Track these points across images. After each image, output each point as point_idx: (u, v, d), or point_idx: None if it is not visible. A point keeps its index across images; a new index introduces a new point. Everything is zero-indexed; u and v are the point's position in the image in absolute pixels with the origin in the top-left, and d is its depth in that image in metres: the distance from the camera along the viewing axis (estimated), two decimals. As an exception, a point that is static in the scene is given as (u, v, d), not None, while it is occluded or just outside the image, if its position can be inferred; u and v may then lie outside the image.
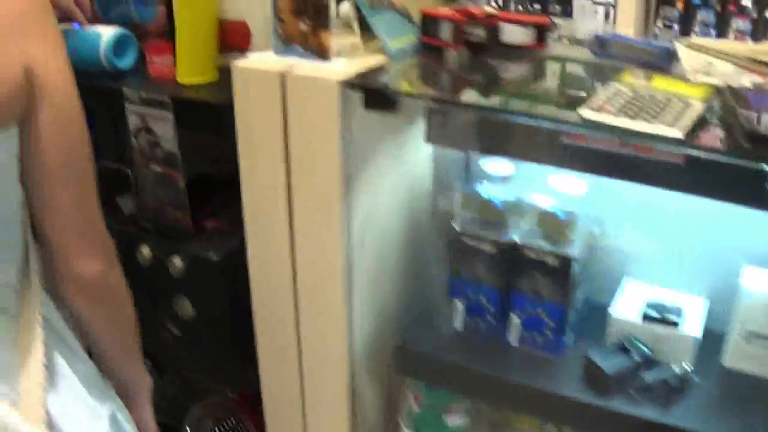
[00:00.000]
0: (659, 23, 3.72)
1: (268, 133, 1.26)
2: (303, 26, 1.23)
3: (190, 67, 1.46)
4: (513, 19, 1.39)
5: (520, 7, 3.57)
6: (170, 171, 1.48)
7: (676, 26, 1.49)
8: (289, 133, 1.25)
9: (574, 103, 1.07)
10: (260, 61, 1.26)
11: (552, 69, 1.38)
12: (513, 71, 1.35)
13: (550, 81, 1.33)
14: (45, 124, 0.95)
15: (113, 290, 1.10)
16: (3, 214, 0.97)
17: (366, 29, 1.32)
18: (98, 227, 1.05)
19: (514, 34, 1.38)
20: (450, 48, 1.35)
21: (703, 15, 1.43)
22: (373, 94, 1.17)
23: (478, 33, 1.38)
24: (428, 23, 1.38)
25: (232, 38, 1.49)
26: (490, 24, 1.37)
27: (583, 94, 1.13)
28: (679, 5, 1.43)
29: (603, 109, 1.08)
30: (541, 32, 1.39)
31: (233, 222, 1.47)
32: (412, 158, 1.43)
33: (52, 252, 1.02)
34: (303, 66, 1.23)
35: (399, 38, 1.35)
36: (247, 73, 1.25)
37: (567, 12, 3.39)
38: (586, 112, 1.06)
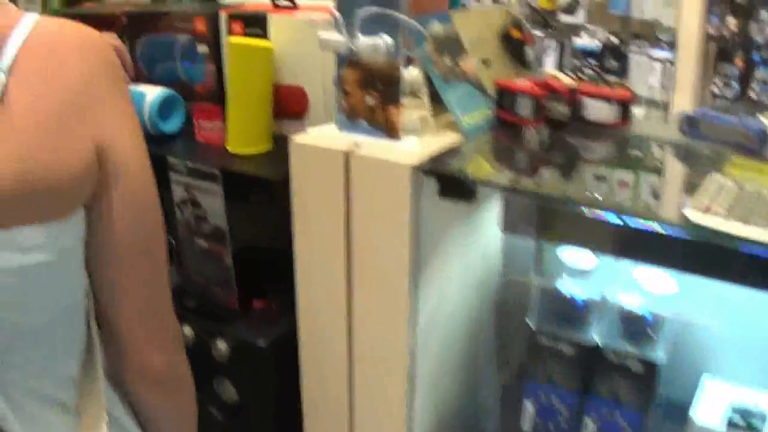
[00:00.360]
0: (717, 81, 3.58)
1: (328, 215, 1.15)
2: (370, 100, 1.11)
3: (242, 136, 1.35)
4: (596, 94, 1.27)
5: (576, 62, 3.46)
6: (217, 247, 1.37)
7: (735, 84, 1.44)
8: (351, 215, 1.13)
9: (674, 200, 0.95)
10: (321, 136, 1.15)
11: (640, 151, 1.25)
12: (598, 153, 1.23)
13: (641, 167, 1.20)
14: (117, 205, 0.86)
15: (181, 381, 1.00)
16: (67, 303, 0.86)
17: (436, 99, 1.21)
18: (168, 315, 0.95)
19: (598, 110, 1.27)
20: (529, 125, 1.23)
21: (763, 73, 1.38)
22: (449, 181, 1.05)
23: (560, 109, 1.26)
24: (505, 97, 1.27)
25: (288, 105, 1.38)
26: (573, 100, 1.25)
27: (681, 185, 1.00)
28: (738, 63, 1.33)
29: (710, 210, 0.95)
30: (626, 108, 1.27)
31: (283, 302, 1.35)
32: (482, 244, 1.31)
33: (119, 342, 0.91)
34: (369, 145, 1.11)
35: (473, 113, 1.23)
36: (307, 150, 1.14)
37: (623, 68, 3.27)
38: (692, 214, 0.93)
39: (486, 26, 1.39)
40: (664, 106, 3.25)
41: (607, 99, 1.25)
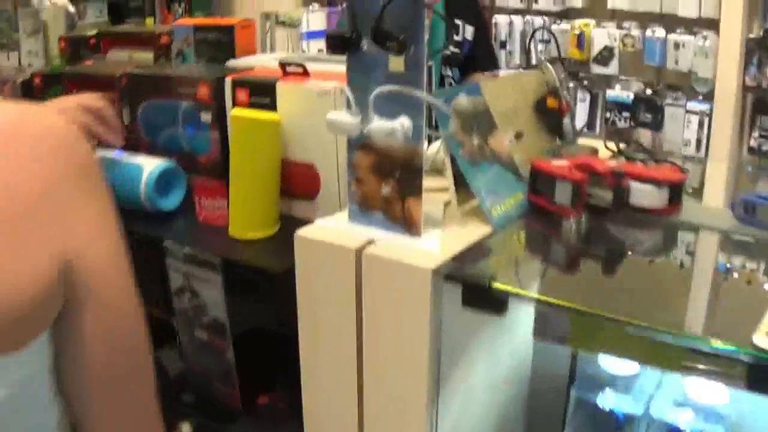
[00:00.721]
0: (756, 134, 3.40)
1: (338, 319, 1.00)
2: (386, 189, 0.97)
3: (246, 219, 1.21)
4: (643, 176, 1.12)
5: (608, 114, 3.29)
6: (217, 340, 1.23)
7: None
8: (363, 319, 0.99)
9: (737, 318, 0.79)
10: (331, 229, 1.01)
11: (693, 245, 1.10)
12: (645, 246, 1.08)
13: (694, 266, 1.05)
14: (89, 326, 0.73)
15: None
16: None
17: (462, 180, 1.07)
18: None
19: (645, 196, 1.12)
20: (567, 215, 1.08)
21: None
22: (474, 290, 0.90)
23: (603, 196, 1.11)
24: (540, 181, 1.12)
25: (297, 184, 1.24)
26: (617, 183, 1.10)
27: (743, 297, 0.85)
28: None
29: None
30: (676, 192, 1.12)
31: (291, 397, 1.20)
32: (510, 351, 1.15)
33: None
34: (385, 242, 0.97)
35: (504, 201, 1.09)
36: (314, 246, 0.99)
37: (658, 121, 3.10)
38: (761, 340, 0.78)
39: (519, 94, 1.24)
40: (700, 161, 3.08)
41: (655, 182, 1.10)
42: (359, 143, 0.98)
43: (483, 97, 1.12)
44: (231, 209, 1.23)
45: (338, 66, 1.35)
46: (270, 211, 1.22)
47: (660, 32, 3.25)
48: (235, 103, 1.29)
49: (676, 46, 3.18)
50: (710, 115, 3.16)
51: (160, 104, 1.43)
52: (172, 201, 1.34)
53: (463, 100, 1.07)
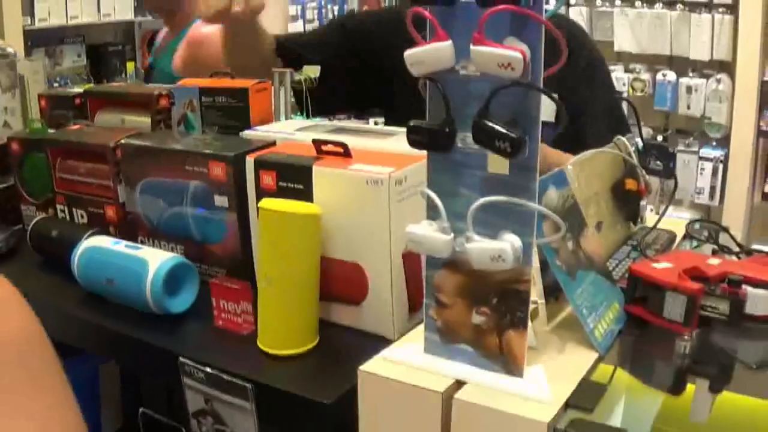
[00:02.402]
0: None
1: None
2: (479, 319, 0.76)
3: (280, 333, 1.00)
4: (762, 281, 0.93)
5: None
6: (245, 477, 1.01)
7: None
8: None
9: None
10: (403, 364, 0.80)
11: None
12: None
13: None
14: None
15: None
16: None
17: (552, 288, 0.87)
18: None
19: (765, 304, 0.93)
20: (680, 332, 0.88)
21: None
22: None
23: (718, 306, 0.92)
24: (644, 290, 0.92)
25: (340, 286, 1.04)
26: (735, 294, 0.91)
27: None
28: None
29: None
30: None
31: None
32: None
33: None
34: (479, 385, 0.77)
35: (604, 316, 0.89)
36: (384, 385, 0.78)
37: (669, 168, 2.91)
38: None
39: (597, 177, 1.05)
40: (718, 211, 2.92)
41: (777, 288, 0.91)
42: (444, 260, 0.77)
43: (571, 188, 0.93)
44: (260, 318, 1.02)
45: (382, 141, 1.15)
46: (308, 321, 1.01)
47: (671, 76, 3.09)
48: (258, 188, 1.08)
49: (689, 90, 3.03)
50: (725, 162, 3.01)
51: (164, 183, 1.22)
52: (182, 302, 1.13)
53: (553, 196, 0.88)
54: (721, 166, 3.01)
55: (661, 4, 3.08)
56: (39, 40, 3.62)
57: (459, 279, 0.77)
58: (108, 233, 1.32)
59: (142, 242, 1.28)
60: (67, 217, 1.41)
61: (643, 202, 1.17)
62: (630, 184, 1.12)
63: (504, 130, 0.67)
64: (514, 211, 0.72)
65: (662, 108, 3.13)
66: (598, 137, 1.39)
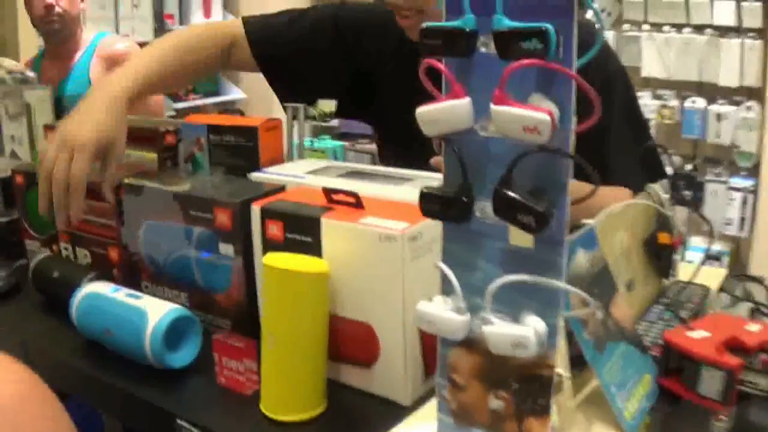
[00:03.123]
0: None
1: None
2: (497, 403, 0.69)
3: (284, 397, 0.93)
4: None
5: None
6: None
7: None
8: None
9: None
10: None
11: None
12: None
13: None
14: None
15: None
16: None
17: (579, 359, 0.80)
18: None
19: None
20: (718, 410, 0.80)
21: None
22: None
23: (760, 383, 0.83)
24: (678, 362, 0.85)
25: (350, 347, 0.97)
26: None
27: None
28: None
29: None
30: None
31: None
32: None
33: None
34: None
35: (635, 392, 0.82)
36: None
37: (698, 198, 2.82)
38: None
39: (627, 232, 0.98)
40: (748, 243, 2.82)
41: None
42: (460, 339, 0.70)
43: (601, 249, 0.85)
44: (263, 380, 0.95)
45: (397, 188, 1.08)
46: (315, 386, 0.94)
47: (700, 102, 3.00)
48: (265, 238, 1.01)
49: (718, 117, 2.94)
50: (755, 192, 2.91)
51: (168, 227, 1.16)
52: (183, 357, 1.06)
53: (582, 261, 0.80)
54: (751, 197, 2.92)
55: (689, 29, 2.99)
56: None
57: (475, 360, 0.70)
58: (111, 276, 1.26)
59: (145, 287, 1.22)
60: (72, 256, 1.35)
61: (676, 256, 1.08)
62: (663, 238, 1.04)
63: (528, 203, 0.59)
64: (538, 289, 0.65)
65: (690, 136, 3.04)
66: (621, 149, 1.30)
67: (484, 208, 0.65)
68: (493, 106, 0.62)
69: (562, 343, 0.70)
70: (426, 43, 0.64)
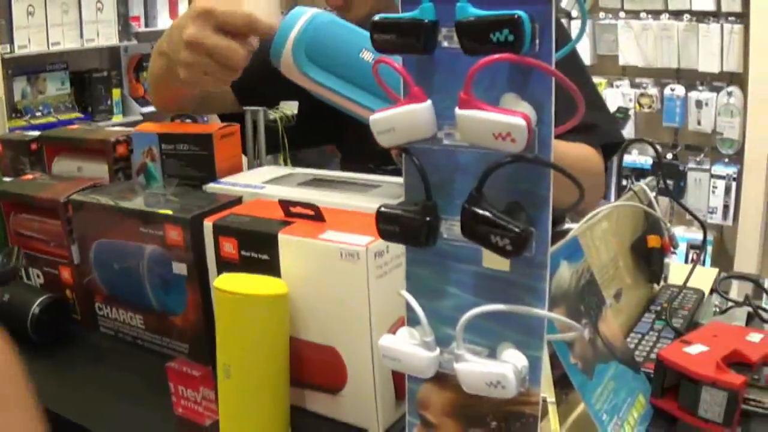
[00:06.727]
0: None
1: None
2: (474, 443, 0.60)
3: (245, 429, 0.84)
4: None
5: (624, 181, 2.96)
6: None
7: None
8: None
9: None
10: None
11: None
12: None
13: None
14: None
15: None
16: None
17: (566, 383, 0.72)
18: None
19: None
20: (722, 435, 0.73)
21: None
22: None
23: (765, 401, 0.76)
24: (675, 382, 0.77)
25: (314, 372, 0.88)
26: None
27: None
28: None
29: None
30: None
31: None
32: None
33: None
34: None
35: (627, 417, 0.74)
36: None
37: (680, 186, 2.75)
38: None
39: (615, 236, 0.90)
40: (732, 231, 2.76)
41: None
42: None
43: (586, 259, 0.77)
44: (221, 412, 0.87)
45: (363, 196, 1.00)
46: (276, 418, 0.86)
47: (679, 90, 2.93)
48: (219, 257, 0.92)
49: (698, 104, 2.87)
50: (738, 179, 2.85)
51: (118, 246, 1.07)
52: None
53: (565, 275, 0.72)
54: (734, 184, 2.85)
55: (667, 15, 2.92)
56: (20, 68, 3.47)
57: (448, 396, 0.61)
58: (66, 298, 1.17)
59: (99, 309, 1.13)
60: (24, 277, 1.26)
61: (667, 260, 1.01)
62: (653, 240, 0.96)
63: (503, 222, 0.51)
64: (517, 317, 0.56)
65: (671, 124, 2.97)
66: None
67: (451, 227, 0.57)
68: (458, 111, 0.53)
69: (546, 365, 0.62)
70: (377, 38, 0.55)
